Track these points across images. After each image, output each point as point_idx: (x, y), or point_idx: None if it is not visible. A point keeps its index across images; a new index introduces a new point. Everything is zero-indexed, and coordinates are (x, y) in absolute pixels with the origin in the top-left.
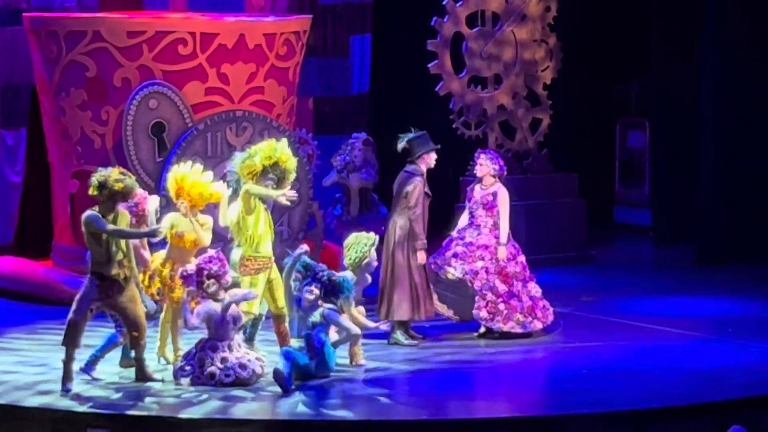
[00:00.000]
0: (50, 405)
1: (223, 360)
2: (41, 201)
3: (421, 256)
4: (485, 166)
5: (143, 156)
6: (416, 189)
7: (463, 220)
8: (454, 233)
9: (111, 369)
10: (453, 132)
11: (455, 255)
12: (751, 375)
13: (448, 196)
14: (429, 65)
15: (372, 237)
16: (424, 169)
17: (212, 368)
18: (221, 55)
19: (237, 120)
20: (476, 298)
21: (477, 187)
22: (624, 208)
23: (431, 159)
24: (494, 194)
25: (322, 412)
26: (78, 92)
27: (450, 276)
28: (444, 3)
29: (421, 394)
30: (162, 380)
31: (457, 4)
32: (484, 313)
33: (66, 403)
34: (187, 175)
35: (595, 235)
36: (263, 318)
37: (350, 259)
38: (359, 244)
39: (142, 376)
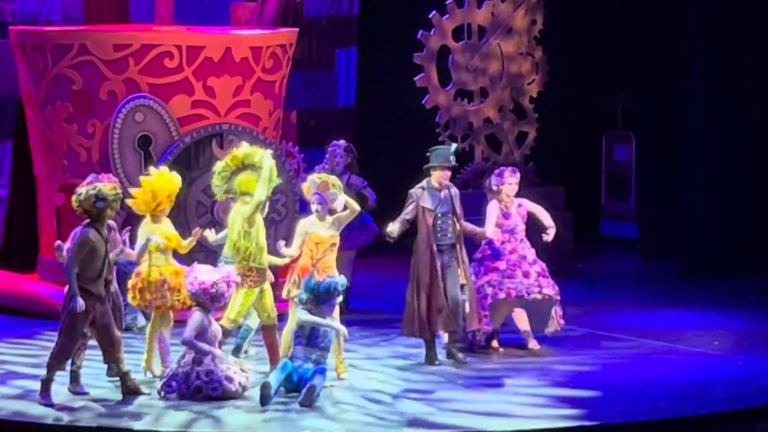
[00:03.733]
0: (36, 419)
1: (209, 373)
2: (27, 214)
3: (389, 228)
4: (515, 184)
5: (129, 169)
6: (409, 198)
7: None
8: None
9: (98, 383)
10: (439, 145)
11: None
12: (736, 388)
13: None
14: (415, 78)
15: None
16: (434, 183)
17: (198, 382)
18: (207, 68)
19: (223, 133)
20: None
21: (508, 205)
22: (610, 221)
23: (439, 175)
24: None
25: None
26: (64, 105)
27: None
28: (430, 16)
29: (401, 410)
30: (149, 393)
31: (444, 18)
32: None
33: (53, 416)
34: (172, 178)
35: (581, 248)
36: (252, 331)
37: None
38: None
39: (128, 389)
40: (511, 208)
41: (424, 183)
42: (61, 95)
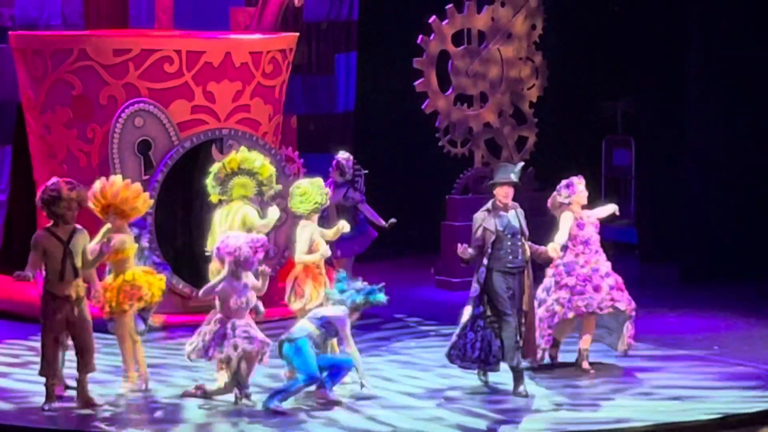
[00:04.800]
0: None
1: (234, 327)
2: (27, 219)
3: (460, 248)
4: (585, 189)
5: (129, 174)
6: (474, 223)
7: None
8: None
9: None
10: (439, 150)
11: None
12: (736, 392)
13: (433, 214)
14: (415, 83)
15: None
16: (498, 203)
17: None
18: (207, 73)
19: (223, 138)
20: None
21: (581, 216)
22: (609, 226)
23: (499, 193)
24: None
25: None
26: (64, 110)
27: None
28: (430, 21)
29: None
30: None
31: (443, 22)
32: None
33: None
34: (114, 190)
35: None
36: None
37: (309, 203)
38: (316, 187)
39: (83, 400)
40: (583, 217)
41: (489, 204)
42: (60, 100)
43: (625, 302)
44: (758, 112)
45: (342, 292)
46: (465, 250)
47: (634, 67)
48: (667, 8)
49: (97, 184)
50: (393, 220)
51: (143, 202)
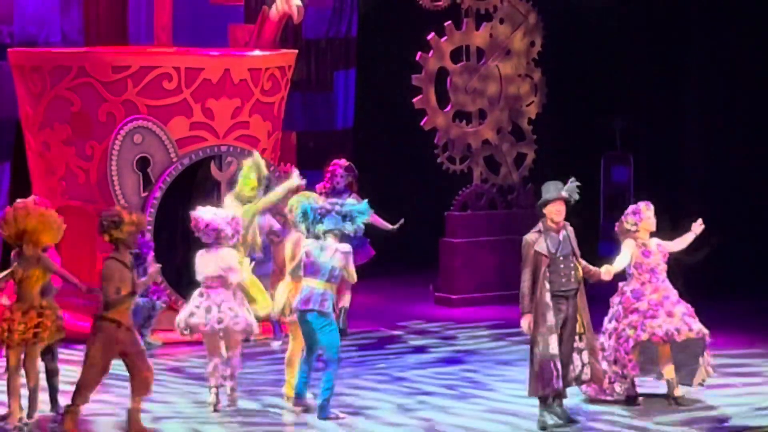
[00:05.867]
0: None
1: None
2: None
3: (523, 324)
4: (653, 216)
5: (128, 191)
6: (524, 247)
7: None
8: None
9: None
10: (438, 167)
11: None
12: (735, 408)
13: (432, 231)
14: (414, 100)
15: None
16: (549, 223)
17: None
18: (206, 90)
19: (222, 155)
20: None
21: (646, 243)
22: (608, 243)
23: (551, 211)
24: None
25: None
26: (62, 127)
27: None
28: (428, 38)
29: None
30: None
31: (442, 39)
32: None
33: None
34: (30, 216)
35: None
36: None
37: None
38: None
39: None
40: (650, 245)
41: (539, 226)
42: (59, 117)
43: (699, 328)
44: (757, 129)
45: (312, 217)
46: (526, 318)
47: (633, 84)
48: (666, 25)
49: (9, 210)
50: (401, 220)
51: (57, 229)
